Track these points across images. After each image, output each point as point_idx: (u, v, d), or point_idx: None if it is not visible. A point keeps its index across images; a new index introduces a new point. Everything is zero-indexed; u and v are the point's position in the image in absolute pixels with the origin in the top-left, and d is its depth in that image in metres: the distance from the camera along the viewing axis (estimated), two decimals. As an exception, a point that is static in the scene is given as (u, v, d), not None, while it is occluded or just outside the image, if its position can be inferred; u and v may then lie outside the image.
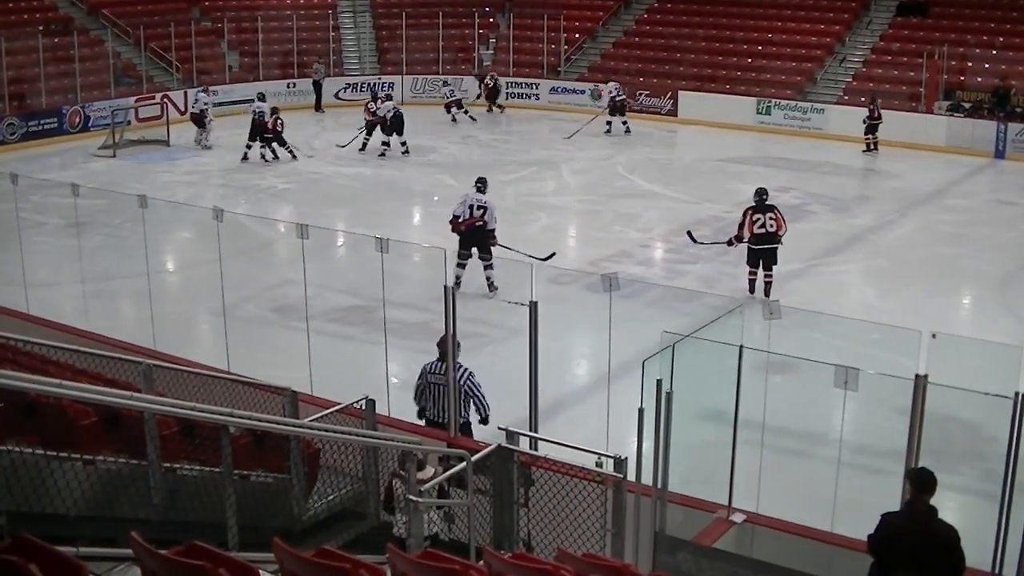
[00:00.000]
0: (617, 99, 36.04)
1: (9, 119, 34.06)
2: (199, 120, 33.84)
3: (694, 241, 21.31)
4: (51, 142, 34.15)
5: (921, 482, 8.17)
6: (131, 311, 18.97)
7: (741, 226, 19.40)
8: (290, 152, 31.83)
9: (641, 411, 9.50)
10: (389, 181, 29.78)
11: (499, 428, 10.41)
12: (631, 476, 9.48)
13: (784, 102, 36.44)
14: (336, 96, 40.57)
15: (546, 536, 9.92)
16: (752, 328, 10.57)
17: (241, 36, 41.87)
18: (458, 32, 43.33)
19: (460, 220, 19.65)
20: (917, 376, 8.95)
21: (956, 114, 33.77)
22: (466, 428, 12.57)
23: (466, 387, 12.41)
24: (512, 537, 10.09)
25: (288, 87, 40.14)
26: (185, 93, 36.68)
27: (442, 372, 12.50)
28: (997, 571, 8.98)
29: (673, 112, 38.38)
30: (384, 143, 32.59)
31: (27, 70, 35.84)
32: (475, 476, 9.70)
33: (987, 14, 36.53)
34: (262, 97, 33.09)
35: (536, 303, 11.85)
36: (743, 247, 19.55)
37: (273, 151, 31.71)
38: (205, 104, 34.11)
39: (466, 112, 38.66)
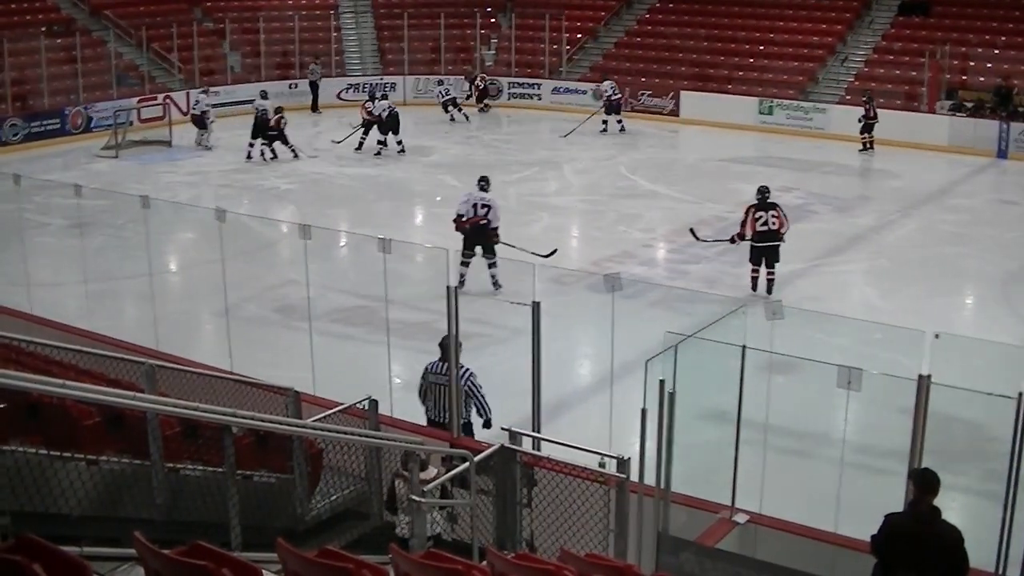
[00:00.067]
0: (612, 98, 36.11)
1: (12, 120, 34.08)
2: (200, 121, 33.86)
3: (697, 238, 21.32)
4: (54, 143, 34.16)
5: (924, 483, 8.17)
6: (134, 311, 18.98)
7: (743, 224, 19.43)
8: (292, 151, 31.86)
9: (644, 411, 9.50)
10: (391, 181, 29.79)
11: (502, 428, 10.43)
12: (634, 476, 9.48)
13: (786, 102, 36.41)
14: (338, 96, 40.55)
15: (549, 536, 9.92)
16: (755, 328, 10.56)
17: (243, 37, 41.85)
18: (460, 32, 43.29)
19: (464, 219, 19.72)
20: (920, 376, 8.95)
21: (958, 114, 33.72)
22: (467, 428, 12.57)
23: (467, 387, 12.40)
24: (515, 537, 10.09)
25: (289, 87, 40.10)
26: (187, 94, 36.68)
27: (443, 372, 12.50)
28: (1000, 571, 8.97)
29: (675, 112, 38.36)
30: (380, 142, 32.71)
31: (30, 71, 35.87)
32: (478, 476, 9.70)
33: (989, 13, 36.49)
34: (265, 95, 33.15)
35: (539, 303, 11.86)
36: (745, 245, 19.57)
37: (273, 151, 31.74)
38: (207, 106, 34.16)
39: (460, 110, 38.82)
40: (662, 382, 9.40)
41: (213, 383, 11.62)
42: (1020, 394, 8.69)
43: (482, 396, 12.54)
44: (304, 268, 15.07)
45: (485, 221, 19.67)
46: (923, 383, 8.93)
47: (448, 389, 12.37)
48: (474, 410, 12.58)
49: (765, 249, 19.33)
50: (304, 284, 15.48)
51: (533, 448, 10.36)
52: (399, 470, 10.13)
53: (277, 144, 31.68)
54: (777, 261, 19.41)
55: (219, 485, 8.36)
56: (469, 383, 12.42)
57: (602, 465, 9.53)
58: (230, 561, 5.84)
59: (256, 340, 17.13)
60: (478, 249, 19.57)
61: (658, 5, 42.76)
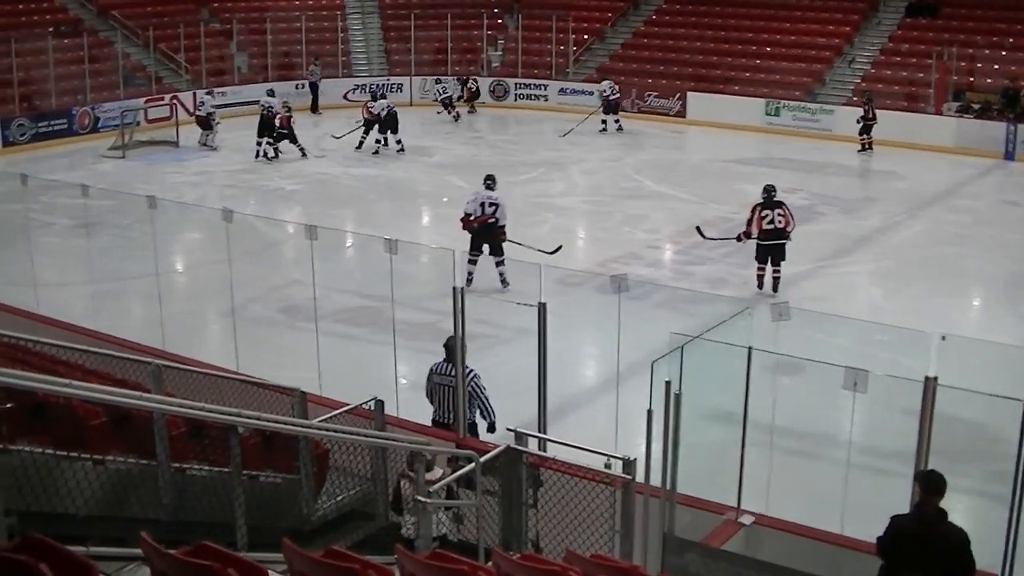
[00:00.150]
0: (611, 98, 36.33)
1: (19, 120, 34.10)
2: (205, 123, 33.94)
3: (703, 237, 21.36)
4: (61, 143, 34.18)
5: (930, 484, 8.16)
6: (140, 311, 19.00)
7: (749, 222, 19.49)
8: (300, 150, 31.93)
9: (650, 412, 9.50)
10: (397, 182, 29.80)
11: (508, 429, 10.42)
12: (640, 477, 9.48)
13: (793, 103, 36.37)
14: (345, 97, 40.53)
15: (555, 537, 9.93)
16: (760, 329, 10.56)
17: (250, 37, 41.86)
18: (466, 33, 43.28)
19: (472, 217, 19.77)
20: (927, 378, 8.94)
21: (965, 115, 33.66)
22: (472, 429, 12.57)
23: (471, 388, 12.40)
24: (521, 538, 10.10)
25: (296, 88, 40.08)
26: (194, 94, 36.68)
27: (447, 373, 12.50)
28: (1006, 573, 8.96)
29: (681, 113, 38.34)
30: (378, 141, 32.86)
31: (37, 71, 35.86)
32: (484, 477, 9.71)
33: (997, 15, 36.39)
34: (271, 93, 33.24)
35: (545, 304, 11.86)
36: (751, 246, 19.60)
37: (276, 150, 31.79)
38: (212, 107, 34.21)
39: (453, 110, 39.06)
40: (668, 383, 9.39)
41: (219, 383, 11.64)
42: (1026, 396, 8.68)
43: (486, 398, 12.52)
44: (310, 268, 15.09)
45: (493, 220, 19.75)
46: (929, 385, 8.92)
47: (453, 390, 12.37)
48: (478, 412, 12.58)
49: (771, 247, 19.37)
50: (310, 284, 15.49)
51: (539, 449, 10.38)
52: (405, 471, 10.13)
53: (285, 143, 31.73)
54: (783, 259, 19.44)
55: (225, 485, 8.37)
56: (473, 384, 12.40)
57: (608, 466, 9.54)
58: (236, 561, 5.84)
59: (262, 340, 17.14)
60: (485, 248, 19.65)
61: (665, 6, 42.74)
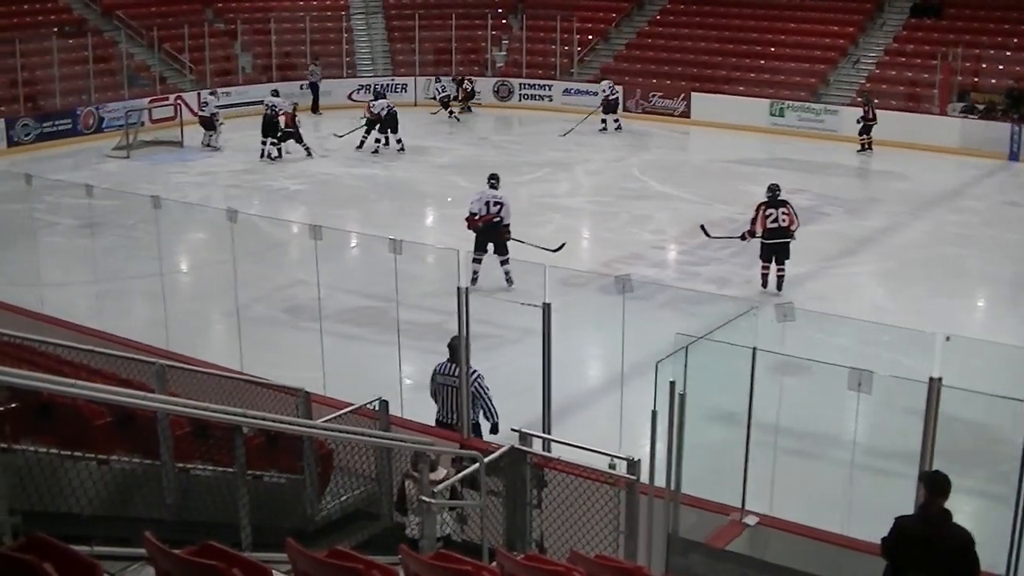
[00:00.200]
0: (610, 98, 36.54)
1: (23, 120, 34.13)
2: (208, 123, 33.97)
3: (707, 235, 21.36)
4: (65, 143, 34.22)
5: (935, 485, 8.15)
6: (144, 311, 18.99)
7: (754, 221, 19.56)
8: (306, 149, 32.02)
9: (654, 413, 9.50)
10: (401, 182, 29.80)
11: (512, 429, 10.42)
12: (644, 478, 9.48)
13: (797, 104, 36.35)
14: (349, 97, 40.52)
15: (559, 537, 9.92)
16: (765, 330, 10.56)
17: (254, 38, 41.89)
18: (470, 33, 43.28)
19: (477, 217, 19.83)
20: (931, 379, 8.93)
21: (969, 116, 33.65)
22: (476, 429, 12.57)
23: (474, 388, 12.39)
24: (525, 538, 10.09)
25: (300, 88, 40.04)
26: (199, 94, 36.69)
27: (450, 373, 12.52)
28: (1011, 574, 8.95)
29: (686, 113, 38.32)
30: (377, 140, 32.97)
31: (42, 71, 35.91)
32: (488, 477, 9.70)
33: (1001, 15, 36.34)
34: (276, 93, 33.28)
35: (549, 304, 11.87)
36: (755, 246, 19.64)
37: (279, 150, 31.82)
38: (216, 107, 34.24)
39: (449, 109, 39.14)
40: (672, 383, 9.40)
41: (223, 383, 11.63)
42: (1031, 397, 8.67)
43: (489, 399, 12.54)
44: (315, 268, 15.09)
45: (498, 219, 19.83)
46: (934, 385, 8.92)
47: (456, 390, 12.38)
48: (481, 412, 12.58)
49: (776, 246, 19.43)
50: (314, 284, 15.50)
51: (543, 449, 10.37)
52: (409, 471, 10.13)
53: (291, 142, 31.81)
54: (788, 258, 19.51)
55: (229, 485, 8.37)
56: (476, 385, 12.41)
57: (612, 466, 9.54)
58: (240, 561, 5.85)
59: (266, 340, 17.13)
60: (490, 247, 19.71)
61: (669, 6, 42.73)
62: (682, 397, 9.45)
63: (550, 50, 42.20)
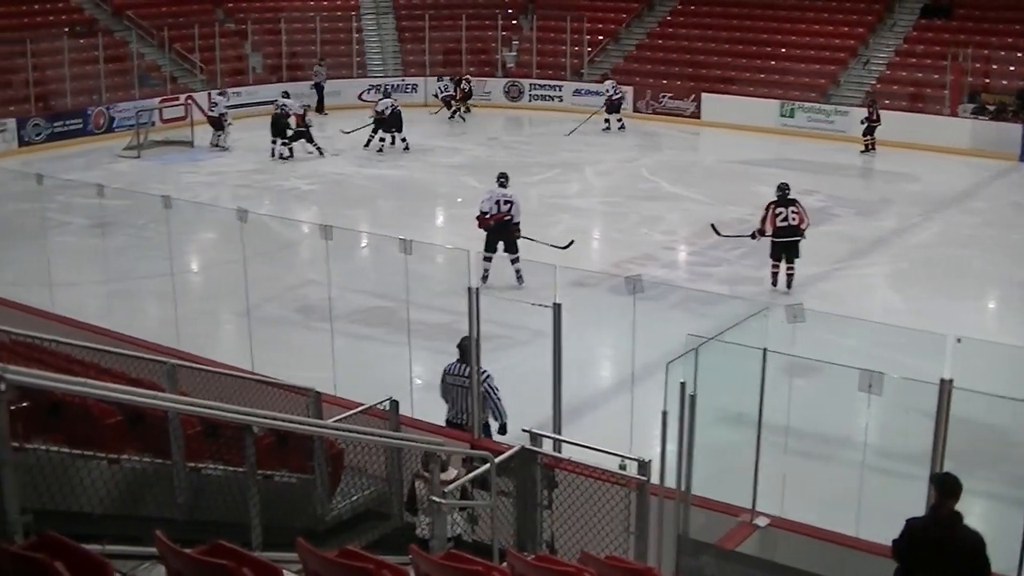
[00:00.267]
0: (613, 98, 36.70)
1: (35, 120, 34.20)
2: (217, 123, 34.02)
3: (718, 234, 21.43)
4: (76, 143, 34.28)
5: (946, 487, 8.14)
6: (155, 311, 19.04)
7: (764, 220, 19.63)
8: (317, 148, 32.11)
9: (665, 414, 9.51)
10: (412, 182, 29.81)
11: (523, 430, 10.40)
12: (655, 479, 9.47)
13: (807, 104, 36.30)
14: (359, 97, 40.51)
15: (569, 538, 9.91)
16: (775, 331, 10.55)
17: (265, 38, 41.93)
18: (481, 34, 43.27)
19: (488, 216, 19.85)
20: (942, 380, 8.92)
21: (980, 117, 33.59)
22: (486, 430, 12.57)
23: (483, 389, 12.39)
24: (535, 539, 10.08)
25: (310, 88, 40.05)
26: (209, 94, 36.72)
27: (460, 373, 12.52)
28: (1022, 576, 8.95)
29: (696, 114, 38.30)
30: (382, 139, 33.14)
31: (52, 71, 35.94)
32: (498, 478, 9.69)
33: (1012, 16, 36.19)
34: (287, 94, 33.32)
35: (560, 305, 11.86)
36: (766, 245, 19.68)
37: (290, 150, 31.90)
38: (225, 108, 34.30)
39: (451, 108, 39.25)
40: (683, 384, 9.40)
41: (234, 383, 11.64)
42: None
43: (498, 399, 12.53)
44: (325, 268, 15.11)
45: (509, 217, 19.86)
46: (945, 387, 8.90)
47: (466, 391, 12.38)
48: (490, 413, 12.57)
49: (785, 245, 19.50)
50: (325, 284, 15.51)
51: (554, 450, 10.37)
52: (420, 471, 10.13)
53: (301, 142, 31.86)
54: (797, 256, 19.58)
55: (240, 485, 8.37)
56: (486, 385, 12.40)
57: (623, 467, 9.52)
58: (251, 561, 5.85)
59: (277, 340, 17.15)
60: (500, 245, 19.75)
61: (679, 7, 42.70)
62: (692, 398, 9.45)
63: (560, 51, 42.21)
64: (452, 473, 9.92)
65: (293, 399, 11.23)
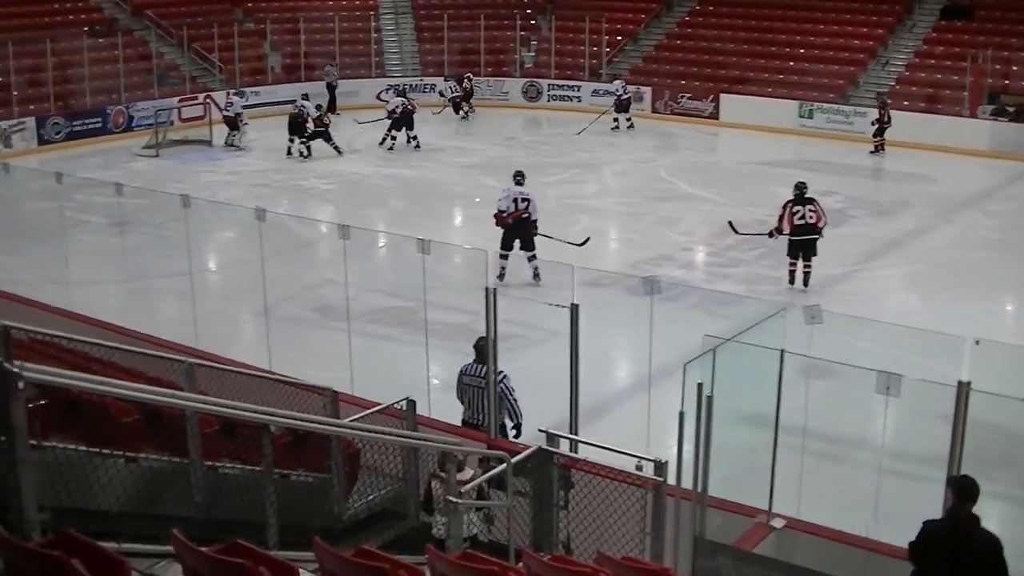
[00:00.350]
0: (623, 97, 36.83)
1: (54, 119, 34.32)
2: (232, 123, 34.08)
3: (735, 232, 21.44)
4: (95, 142, 34.41)
5: (963, 490, 8.11)
6: (173, 310, 19.06)
7: (781, 218, 19.71)
8: (335, 147, 32.19)
9: (682, 414, 9.50)
10: (430, 182, 29.85)
11: (539, 430, 10.40)
12: (671, 480, 9.46)
13: (826, 105, 36.23)
14: (378, 97, 40.41)
15: (585, 539, 9.91)
16: (792, 332, 10.53)
17: (284, 37, 42.00)
18: (499, 34, 43.28)
19: (506, 214, 19.91)
20: (960, 383, 8.89)
21: (1000, 118, 33.45)
22: (502, 430, 12.58)
23: (500, 389, 12.39)
24: (551, 539, 10.09)
25: (326, 88, 40.16)
26: (227, 94, 36.79)
27: (477, 374, 12.52)
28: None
29: (715, 115, 38.25)
30: (393, 138, 33.31)
31: (72, 70, 36.12)
32: (515, 478, 9.70)
33: (1032, 18, 36.20)
34: (306, 96, 33.37)
35: (577, 305, 11.86)
36: (783, 246, 19.73)
37: (309, 149, 32.01)
38: (241, 108, 34.37)
39: (461, 109, 39.44)
40: (700, 385, 9.39)
41: (252, 382, 11.66)
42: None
43: (514, 400, 12.53)
44: (343, 268, 15.13)
45: (527, 215, 19.95)
46: (963, 389, 8.88)
47: (483, 391, 12.39)
48: (506, 414, 12.57)
49: (803, 243, 19.58)
50: (342, 284, 15.53)
51: (570, 450, 10.37)
52: (436, 471, 10.13)
53: (319, 142, 31.94)
54: (815, 255, 19.65)
55: (257, 484, 8.38)
56: (502, 386, 12.41)
57: (639, 468, 9.52)
58: (267, 560, 5.86)
59: (294, 339, 17.19)
60: (516, 243, 19.81)
61: (698, 8, 42.65)
62: (710, 399, 9.44)
63: (579, 51, 42.21)
64: (468, 473, 9.92)
65: (310, 398, 11.25)
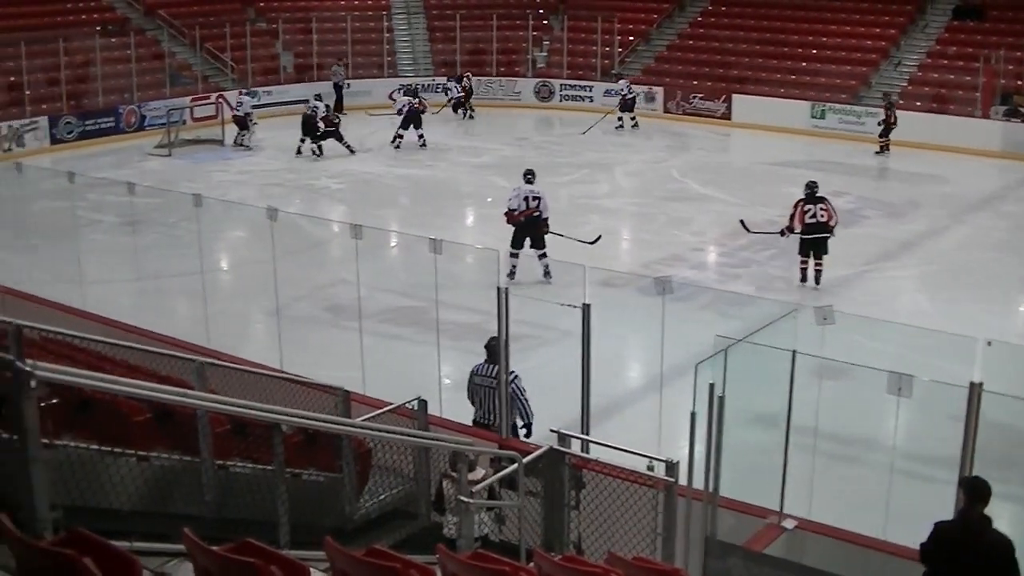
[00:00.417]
0: (627, 97, 37.00)
1: (67, 118, 34.38)
2: (242, 122, 34.12)
3: (747, 230, 21.50)
4: (107, 141, 34.49)
5: (975, 491, 8.10)
6: (185, 309, 19.10)
7: (792, 217, 19.82)
8: (347, 147, 32.28)
9: (693, 415, 9.49)
10: (442, 182, 29.86)
11: (551, 430, 10.40)
12: (682, 480, 9.45)
13: (838, 106, 36.18)
14: (390, 97, 40.39)
15: (596, 539, 9.91)
16: (805, 332, 10.52)
17: (296, 37, 42.05)
18: (512, 34, 43.29)
19: (518, 212, 19.95)
20: (972, 384, 8.88)
21: (1012, 119, 33.35)
22: (513, 430, 12.57)
23: (511, 389, 12.38)
24: (562, 539, 10.08)
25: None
26: (239, 92, 36.83)
27: (488, 374, 12.51)
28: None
29: (727, 115, 38.22)
30: (400, 136, 33.43)
31: (84, 70, 36.23)
32: (526, 478, 9.70)
33: (1045, 18, 36.11)
34: (319, 97, 33.43)
35: (588, 305, 11.85)
36: (794, 246, 19.78)
37: (320, 148, 32.09)
38: (251, 107, 34.43)
39: (465, 109, 39.47)
40: (712, 385, 9.38)
41: (263, 381, 11.67)
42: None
43: (525, 400, 12.52)
44: (355, 268, 15.13)
45: (538, 213, 20.00)
46: (975, 390, 8.86)
47: (494, 391, 12.38)
48: (517, 414, 12.56)
49: (814, 241, 19.68)
50: (354, 283, 15.54)
51: (581, 450, 10.36)
52: (447, 471, 10.13)
53: (331, 141, 31.98)
54: (826, 253, 19.75)
55: (268, 483, 8.38)
56: (513, 386, 12.39)
57: (650, 468, 9.51)
58: (278, 559, 5.86)
59: (306, 339, 17.19)
60: (527, 242, 19.89)
61: (710, 8, 42.61)
62: (721, 399, 9.43)
63: (591, 51, 42.19)
64: (480, 473, 9.92)
65: (322, 398, 11.26)
